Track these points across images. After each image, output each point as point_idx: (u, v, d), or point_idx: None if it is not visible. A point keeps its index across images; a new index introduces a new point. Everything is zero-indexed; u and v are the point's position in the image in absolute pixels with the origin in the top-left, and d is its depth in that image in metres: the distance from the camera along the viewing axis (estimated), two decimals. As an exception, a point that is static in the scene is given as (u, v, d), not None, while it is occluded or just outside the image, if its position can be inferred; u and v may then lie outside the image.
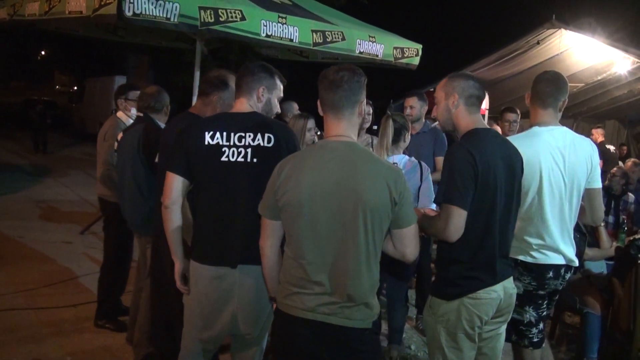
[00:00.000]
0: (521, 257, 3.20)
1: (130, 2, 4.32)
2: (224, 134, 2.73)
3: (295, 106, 6.87)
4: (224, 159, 2.71)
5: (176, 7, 4.63)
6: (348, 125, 2.38)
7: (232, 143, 2.72)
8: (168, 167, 2.83)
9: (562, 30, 8.36)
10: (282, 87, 2.97)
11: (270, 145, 2.72)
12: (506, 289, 2.78)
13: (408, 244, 2.40)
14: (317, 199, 2.26)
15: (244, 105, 2.84)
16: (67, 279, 5.62)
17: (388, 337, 4.47)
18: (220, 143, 2.72)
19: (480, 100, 2.84)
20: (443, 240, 2.66)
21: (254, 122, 2.76)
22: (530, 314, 3.31)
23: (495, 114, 11.65)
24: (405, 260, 2.48)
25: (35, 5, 5.77)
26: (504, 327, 2.92)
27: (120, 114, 4.72)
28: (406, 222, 2.35)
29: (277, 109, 2.97)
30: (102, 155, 4.54)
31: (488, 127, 2.85)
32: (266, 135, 2.73)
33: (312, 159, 2.35)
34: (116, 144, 4.29)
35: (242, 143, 2.72)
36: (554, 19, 8.25)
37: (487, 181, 2.62)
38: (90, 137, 19.46)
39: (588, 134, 10.53)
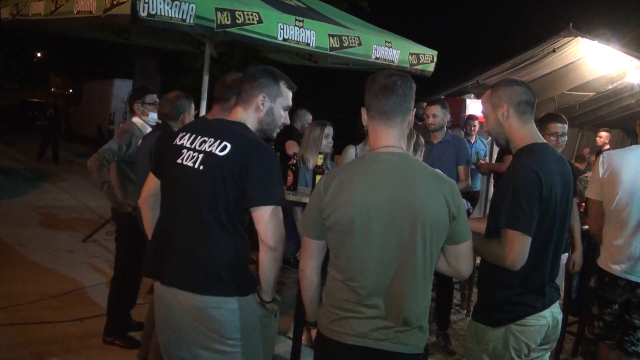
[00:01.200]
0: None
1: (145, 2, 4.16)
2: (192, 136, 2.51)
3: (309, 117, 6.73)
4: (178, 160, 2.48)
5: (192, 7, 4.47)
6: (399, 134, 2.22)
7: (193, 146, 2.47)
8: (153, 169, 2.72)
9: (579, 38, 8.24)
10: (290, 94, 2.63)
11: (222, 154, 2.37)
12: (554, 314, 2.60)
13: (463, 261, 2.25)
14: (370, 216, 2.08)
15: (236, 114, 2.56)
16: (72, 291, 5.38)
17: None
18: (184, 144, 2.50)
19: (531, 106, 2.59)
20: (503, 267, 2.43)
21: (223, 129, 2.48)
22: None
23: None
24: (460, 278, 2.33)
25: (41, 5, 5.58)
26: (548, 354, 2.73)
27: (136, 119, 4.46)
28: (463, 237, 2.20)
29: (283, 119, 2.63)
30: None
31: (544, 140, 2.63)
32: (223, 142, 2.40)
33: (363, 173, 2.16)
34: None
35: (201, 148, 2.44)
36: (571, 27, 8.12)
37: (549, 203, 2.42)
38: (87, 141, 19.37)
39: (593, 143, 10.43)
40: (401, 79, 2.19)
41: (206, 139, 2.45)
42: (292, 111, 6.20)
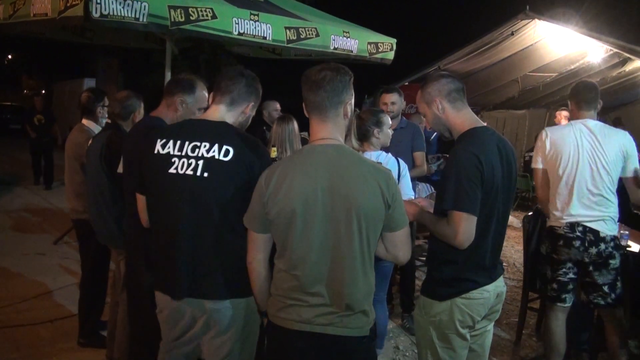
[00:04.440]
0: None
1: (97, 3, 4.18)
2: (178, 142, 2.44)
3: (277, 105, 6.73)
4: (172, 170, 2.42)
5: (145, 6, 4.50)
6: (334, 127, 2.26)
7: (183, 153, 2.42)
8: (135, 187, 2.70)
9: (536, 20, 8.38)
10: None
11: (226, 159, 2.37)
12: (497, 288, 2.74)
13: (401, 247, 2.32)
14: (309, 207, 2.15)
15: (217, 113, 2.54)
16: (43, 293, 5.42)
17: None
18: (171, 153, 2.44)
19: (460, 92, 2.74)
20: (450, 245, 2.56)
21: (214, 131, 2.45)
22: None
23: (471, 106, 11.69)
24: (398, 263, 2.40)
25: (0, 9, 5.56)
26: (492, 324, 2.89)
27: (88, 121, 4.48)
28: (399, 224, 2.27)
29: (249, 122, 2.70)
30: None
31: (483, 123, 2.75)
32: (224, 147, 2.39)
33: (301, 165, 2.22)
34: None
35: (195, 154, 2.40)
36: (527, 10, 8.26)
37: (491, 184, 2.54)
38: (62, 142, 19.10)
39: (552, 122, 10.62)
40: (332, 73, 2.23)
41: (198, 143, 2.41)
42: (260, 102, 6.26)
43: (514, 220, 9.07)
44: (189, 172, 2.40)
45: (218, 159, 2.38)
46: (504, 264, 7.28)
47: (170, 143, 2.47)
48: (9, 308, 5.02)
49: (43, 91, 30.41)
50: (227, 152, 2.39)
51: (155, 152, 2.49)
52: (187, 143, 2.44)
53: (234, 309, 2.50)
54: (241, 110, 2.60)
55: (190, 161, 2.40)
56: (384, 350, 4.44)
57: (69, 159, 4.39)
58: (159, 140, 2.50)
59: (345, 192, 2.13)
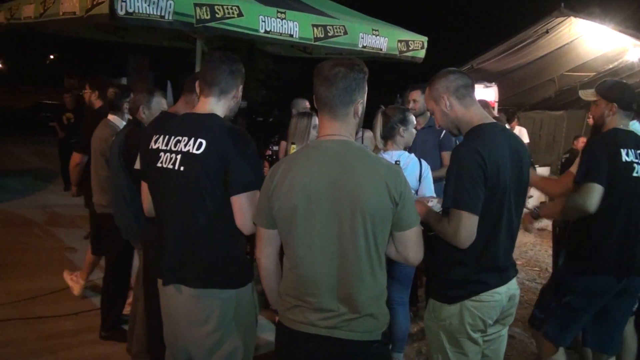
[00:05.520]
0: None
1: (122, 1, 4.24)
2: (166, 137, 2.50)
3: (306, 104, 6.69)
4: (158, 164, 2.49)
5: (170, 4, 4.55)
6: (342, 125, 2.19)
7: (168, 148, 2.47)
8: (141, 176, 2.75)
9: (572, 18, 8.18)
10: None
11: (198, 152, 2.39)
12: (510, 290, 2.65)
13: (411, 248, 2.22)
14: (311, 204, 2.08)
15: (206, 105, 2.55)
16: (68, 287, 5.49)
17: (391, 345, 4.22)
18: (160, 147, 2.50)
19: (469, 88, 2.66)
20: (453, 245, 2.50)
21: (195, 125, 2.47)
22: None
23: (506, 107, 11.50)
24: (408, 264, 2.32)
25: (31, 8, 5.72)
26: (506, 329, 2.79)
27: (111, 116, 4.54)
28: (408, 224, 2.17)
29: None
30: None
31: (492, 120, 2.67)
32: (198, 140, 2.40)
33: (305, 160, 2.17)
34: None
35: (177, 148, 2.44)
36: (562, 7, 8.05)
37: (496, 182, 2.46)
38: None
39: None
40: (346, 70, 2.13)
41: (180, 138, 2.45)
42: (290, 100, 6.24)
43: (549, 224, 8.83)
44: (170, 166, 2.45)
45: (192, 153, 2.41)
46: (536, 268, 7.10)
47: (161, 138, 2.53)
48: (36, 300, 5.11)
49: (85, 90, 30.95)
50: (199, 145, 2.40)
51: (150, 147, 2.56)
52: (172, 138, 2.49)
53: (217, 299, 2.48)
54: (232, 96, 2.60)
55: (172, 155, 2.45)
56: (406, 354, 4.35)
57: (94, 153, 4.45)
58: (154, 135, 2.56)
59: (350, 189, 2.06)
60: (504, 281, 2.61)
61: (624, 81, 3.84)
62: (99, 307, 4.62)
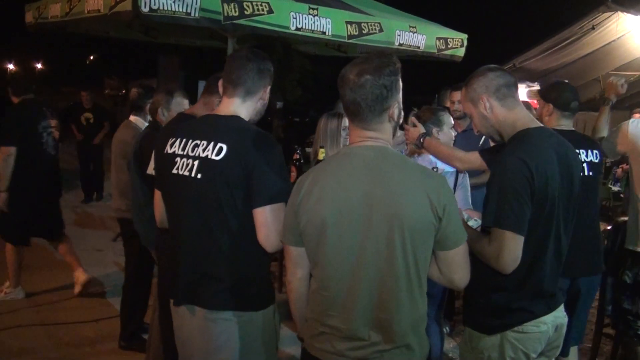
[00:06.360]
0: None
1: (146, -3, 4.07)
2: (183, 141, 2.26)
3: (341, 106, 6.46)
4: (174, 171, 2.25)
5: (197, 0, 4.37)
6: (376, 131, 1.92)
7: (185, 152, 2.22)
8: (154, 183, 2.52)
9: (619, 13, 7.72)
10: None
11: (218, 158, 2.13)
12: (557, 319, 2.34)
13: (456, 269, 1.95)
14: (342, 218, 1.83)
15: (229, 106, 2.28)
16: (92, 292, 5.37)
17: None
18: (176, 152, 2.25)
19: (511, 87, 2.33)
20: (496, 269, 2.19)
21: (217, 128, 2.22)
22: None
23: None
24: (454, 288, 2.04)
25: (57, 7, 5.65)
26: None
27: (133, 117, 4.39)
28: (454, 242, 1.90)
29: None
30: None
31: (539, 123, 2.36)
32: (218, 145, 2.15)
33: (335, 169, 1.91)
34: None
35: (194, 153, 2.19)
36: (610, 2, 7.60)
37: (544, 196, 2.16)
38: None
39: None
40: (374, 78, 1.86)
41: (198, 142, 2.21)
42: (328, 103, 6.04)
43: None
44: (186, 173, 2.20)
45: (210, 158, 2.15)
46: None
47: (177, 142, 2.28)
48: (57, 305, 5.02)
49: (124, 91, 31.39)
50: (219, 150, 2.14)
51: (165, 151, 2.31)
52: (190, 142, 2.24)
53: (235, 322, 2.21)
54: (258, 97, 2.33)
55: (188, 161, 2.21)
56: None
57: (115, 156, 4.29)
58: (170, 138, 2.32)
59: (386, 201, 1.80)
60: (550, 309, 2.30)
61: (566, 81, 3.59)
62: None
